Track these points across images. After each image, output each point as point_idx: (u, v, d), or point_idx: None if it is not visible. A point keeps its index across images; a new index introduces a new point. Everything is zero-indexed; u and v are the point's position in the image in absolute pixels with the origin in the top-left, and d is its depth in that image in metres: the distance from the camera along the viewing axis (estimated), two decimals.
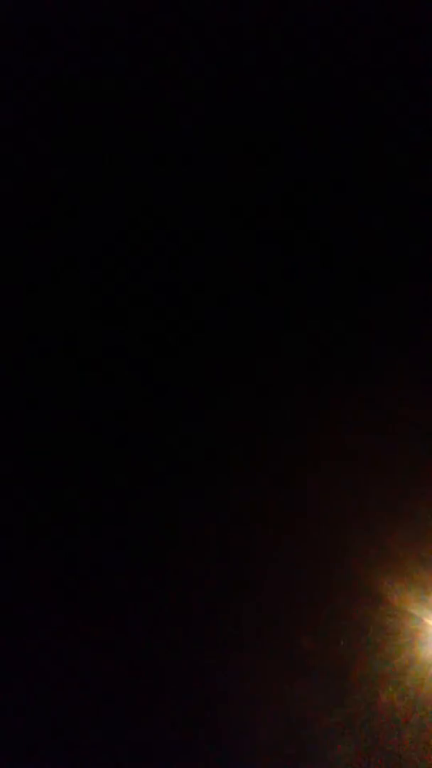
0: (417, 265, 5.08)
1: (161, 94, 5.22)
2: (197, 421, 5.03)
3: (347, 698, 4.42)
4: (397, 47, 5.15)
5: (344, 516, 4.64)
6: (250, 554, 4.73)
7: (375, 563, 4.53)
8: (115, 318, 5.28)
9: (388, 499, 4.62)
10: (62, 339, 5.22)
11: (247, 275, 5.25)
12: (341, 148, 5.19)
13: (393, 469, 4.68)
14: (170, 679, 4.61)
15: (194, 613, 4.68)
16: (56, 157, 5.28)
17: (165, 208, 5.34)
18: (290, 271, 5.23)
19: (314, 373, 5.00)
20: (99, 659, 4.67)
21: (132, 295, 5.31)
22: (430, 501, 4.60)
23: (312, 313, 5.14)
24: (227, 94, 5.25)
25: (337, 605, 4.53)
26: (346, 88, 5.18)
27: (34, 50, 5.05)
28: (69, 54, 5.08)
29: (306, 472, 4.80)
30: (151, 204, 5.34)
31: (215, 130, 5.29)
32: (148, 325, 5.26)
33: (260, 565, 4.71)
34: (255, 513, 4.78)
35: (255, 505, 4.79)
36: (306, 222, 5.25)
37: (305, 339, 5.08)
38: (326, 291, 5.15)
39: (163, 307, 5.27)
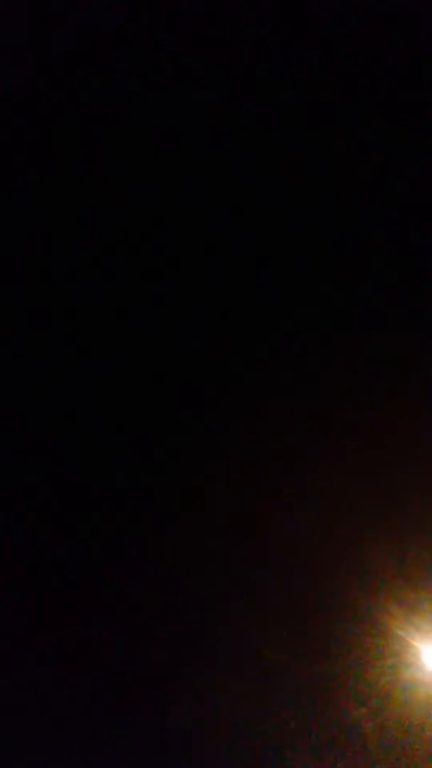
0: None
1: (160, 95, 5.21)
2: (186, 432, 4.99)
3: (328, 719, 4.36)
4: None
5: (329, 536, 4.58)
6: (235, 570, 4.67)
7: (360, 584, 4.46)
8: (113, 316, 5.28)
9: (374, 520, 4.55)
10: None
11: (246, 274, 5.25)
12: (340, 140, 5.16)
13: (379, 490, 4.62)
14: (141, 702, 4.58)
15: (176, 630, 4.63)
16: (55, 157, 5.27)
17: (165, 203, 5.32)
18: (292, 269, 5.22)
19: (298, 398, 4.95)
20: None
21: (131, 294, 5.30)
22: (416, 522, 4.54)
23: (312, 313, 5.13)
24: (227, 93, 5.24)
25: (322, 625, 4.46)
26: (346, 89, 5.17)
27: (34, 50, 5.04)
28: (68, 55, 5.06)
29: (292, 491, 4.76)
30: (150, 199, 5.31)
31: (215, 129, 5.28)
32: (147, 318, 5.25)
33: (244, 583, 4.66)
34: (240, 529, 4.74)
35: (241, 521, 4.75)
36: (306, 219, 5.24)
37: (303, 342, 5.06)
38: (328, 288, 5.13)
39: (161, 304, 5.26)
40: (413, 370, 4.84)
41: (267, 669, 4.45)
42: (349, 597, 4.46)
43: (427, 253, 5.03)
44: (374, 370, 4.89)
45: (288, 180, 5.24)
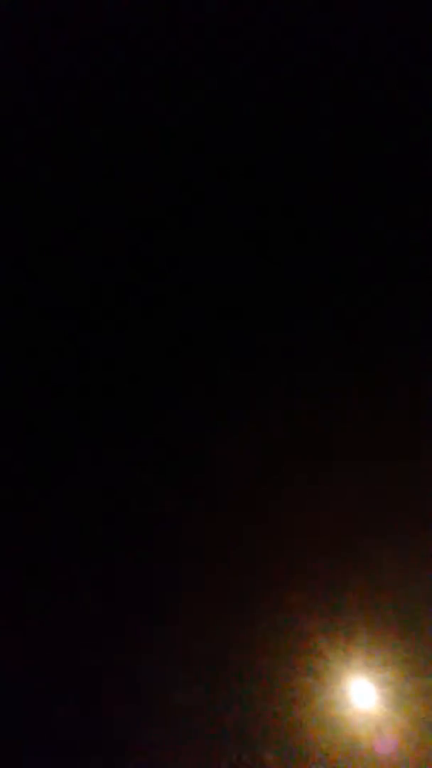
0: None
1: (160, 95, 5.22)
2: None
3: (251, 761, 4.26)
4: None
5: (255, 571, 4.53)
6: (176, 587, 4.64)
7: (288, 622, 4.40)
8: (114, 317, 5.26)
9: (303, 557, 4.51)
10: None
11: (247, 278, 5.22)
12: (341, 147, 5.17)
13: (307, 531, 4.58)
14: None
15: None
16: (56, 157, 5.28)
17: (169, 205, 5.31)
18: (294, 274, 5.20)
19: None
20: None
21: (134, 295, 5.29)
22: (346, 560, 4.48)
23: (313, 316, 5.10)
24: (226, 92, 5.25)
25: (246, 664, 4.39)
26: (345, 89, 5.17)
27: (34, 50, 5.07)
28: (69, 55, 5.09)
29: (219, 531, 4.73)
30: (154, 202, 5.31)
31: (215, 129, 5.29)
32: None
33: (163, 622, 4.60)
34: (184, 547, 4.71)
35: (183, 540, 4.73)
36: (307, 223, 5.22)
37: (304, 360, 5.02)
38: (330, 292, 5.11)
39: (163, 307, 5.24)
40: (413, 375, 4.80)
41: (186, 712, 4.34)
42: (276, 635, 4.37)
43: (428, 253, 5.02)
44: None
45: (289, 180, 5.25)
